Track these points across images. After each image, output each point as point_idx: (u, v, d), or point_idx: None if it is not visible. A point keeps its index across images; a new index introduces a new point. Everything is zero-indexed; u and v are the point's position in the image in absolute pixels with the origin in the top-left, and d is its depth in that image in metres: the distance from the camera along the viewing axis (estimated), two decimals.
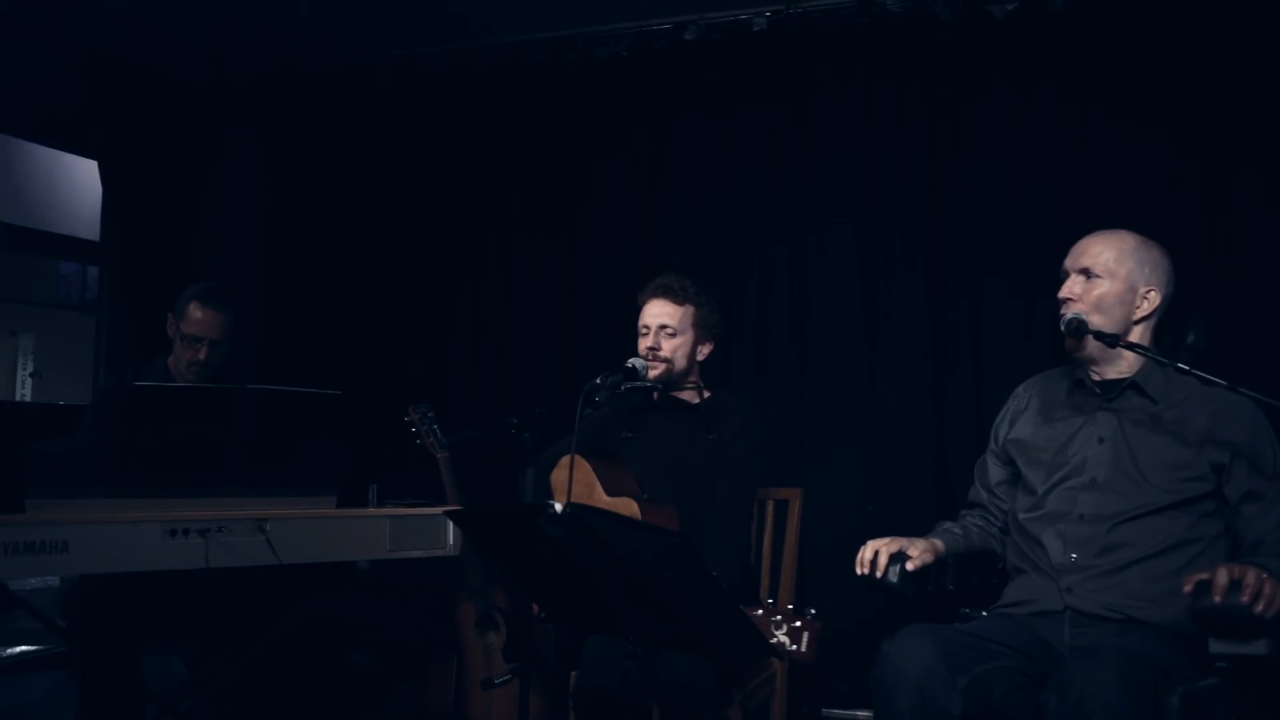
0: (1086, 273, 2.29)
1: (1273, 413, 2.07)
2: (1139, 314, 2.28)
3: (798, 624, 1.76)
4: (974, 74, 3.49)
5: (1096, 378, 2.33)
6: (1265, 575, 1.88)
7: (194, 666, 2.99)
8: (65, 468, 2.40)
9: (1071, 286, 2.30)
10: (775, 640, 1.76)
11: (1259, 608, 1.85)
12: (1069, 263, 2.33)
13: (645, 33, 3.87)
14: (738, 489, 2.75)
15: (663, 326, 2.84)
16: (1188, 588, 1.94)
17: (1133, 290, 2.27)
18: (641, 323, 2.88)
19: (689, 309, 2.86)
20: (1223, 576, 1.89)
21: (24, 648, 3.51)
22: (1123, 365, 2.31)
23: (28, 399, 5.66)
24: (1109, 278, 2.27)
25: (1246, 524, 2.16)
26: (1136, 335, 2.28)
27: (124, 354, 3.96)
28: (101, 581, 2.54)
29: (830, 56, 3.66)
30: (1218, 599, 1.88)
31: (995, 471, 2.49)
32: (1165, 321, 2.33)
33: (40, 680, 3.38)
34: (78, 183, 4.32)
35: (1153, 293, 2.28)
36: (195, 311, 3.03)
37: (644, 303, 2.90)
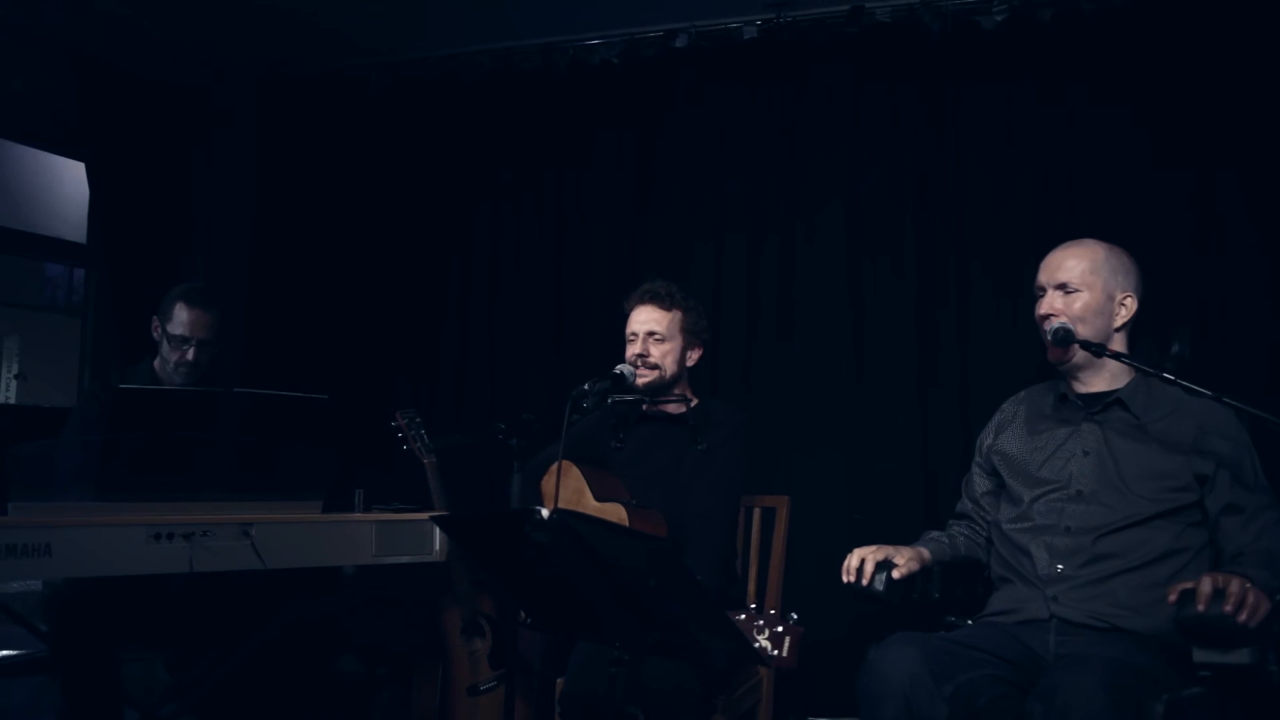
0: (1064, 287, 2.29)
1: (1257, 422, 2.08)
2: (1119, 321, 2.30)
3: (779, 629, 1.75)
4: (962, 81, 3.52)
5: (1081, 390, 2.34)
6: (1249, 584, 1.88)
7: (176, 671, 2.97)
8: (49, 471, 2.38)
9: (1052, 302, 2.30)
10: (757, 645, 1.76)
11: (1242, 617, 1.85)
12: (1044, 278, 2.34)
13: (636, 40, 3.89)
14: (721, 494, 2.74)
15: (651, 333, 2.83)
16: (1172, 597, 1.94)
17: (1110, 298, 2.29)
18: (629, 330, 2.88)
19: (676, 314, 2.85)
20: (1206, 585, 1.90)
21: (5, 652, 3.48)
22: (1106, 377, 2.32)
23: (11, 401, 5.63)
24: (1086, 289, 2.28)
25: (1226, 536, 2.17)
26: (1117, 343, 2.30)
27: (110, 357, 3.94)
28: (84, 585, 2.52)
29: (820, 64, 3.68)
30: (1201, 608, 1.88)
31: (980, 483, 2.50)
32: (1139, 326, 2.34)
33: (21, 685, 3.35)
34: (64, 184, 4.30)
35: (1129, 299, 2.30)
36: (181, 312, 2.99)
37: (631, 310, 2.89)
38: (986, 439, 2.50)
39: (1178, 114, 3.25)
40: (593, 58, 3.97)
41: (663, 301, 2.85)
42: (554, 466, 2.71)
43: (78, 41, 3.79)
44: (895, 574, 2.26)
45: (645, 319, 2.85)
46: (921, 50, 3.54)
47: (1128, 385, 2.30)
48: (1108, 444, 2.26)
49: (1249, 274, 3.14)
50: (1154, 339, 2.42)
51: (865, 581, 2.25)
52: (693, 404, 2.88)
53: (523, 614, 2.28)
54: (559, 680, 2.58)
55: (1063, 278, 2.30)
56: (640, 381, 2.80)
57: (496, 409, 3.87)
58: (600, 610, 1.86)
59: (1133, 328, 2.33)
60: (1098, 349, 2.24)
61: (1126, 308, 2.29)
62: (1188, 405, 2.22)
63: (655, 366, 2.82)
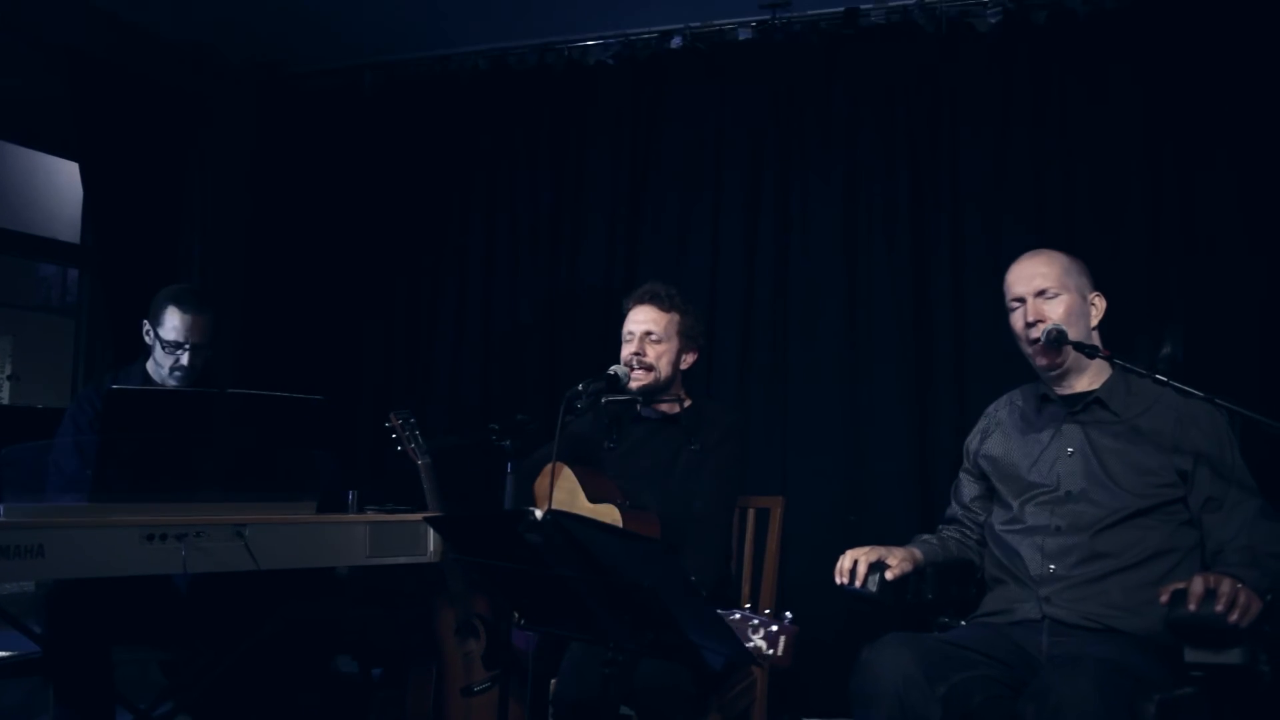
0: (1043, 293, 2.30)
1: (1249, 424, 2.09)
2: (1094, 321, 2.33)
3: (774, 628, 1.75)
4: (957, 83, 3.52)
5: (1062, 391, 2.36)
6: (1240, 585, 1.89)
7: (170, 672, 2.96)
8: (42, 472, 2.38)
9: (1037, 309, 2.30)
10: (751, 645, 1.75)
11: (1234, 617, 1.86)
12: (1020, 289, 2.33)
13: (631, 41, 3.90)
14: (717, 496, 2.74)
15: (648, 333, 2.83)
16: (1164, 597, 1.95)
17: (1084, 299, 2.32)
18: (626, 329, 2.88)
19: (674, 316, 2.85)
20: (1198, 585, 1.91)
21: None
22: (1086, 377, 2.34)
23: (5, 402, 5.61)
24: (1065, 292, 2.30)
25: (1208, 532, 2.19)
26: (1095, 343, 2.32)
27: (103, 357, 3.93)
28: (78, 586, 2.52)
29: (815, 66, 3.68)
30: (1193, 608, 1.90)
31: (969, 488, 2.51)
32: (1133, 326, 2.37)
33: (14, 686, 3.34)
34: (58, 185, 4.29)
35: (1098, 298, 2.33)
36: (173, 317, 2.90)
37: (629, 309, 2.90)
38: (973, 444, 2.52)
39: (1171, 114, 3.26)
40: (588, 58, 3.97)
41: (662, 303, 2.85)
42: (548, 468, 2.71)
43: (71, 41, 3.79)
44: (888, 575, 2.26)
45: (643, 319, 2.85)
46: (917, 52, 3.55)
47: (1105, 384, 2.31)
48: (1091, 443, 2.28)
49: (1241, 274, 3.15)
50: (1146, 339, 2.43)
51: (859, 583, 2.25)
52: (686, 404, 2.88)
53: (516, 614, 2.28)
54: (552, 681, 2.58)
55: (1040, 284, 2.30)
56: (634, 384, 2.80)
57: (491, 410, 3.87)
58: (594, 611, 1.86)
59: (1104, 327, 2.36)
60: (1091, 350, 2.25)
61: (1098, 307, 2.33)
62: (1166, 400, 2.24)
63: (650, 367, 2.82)
